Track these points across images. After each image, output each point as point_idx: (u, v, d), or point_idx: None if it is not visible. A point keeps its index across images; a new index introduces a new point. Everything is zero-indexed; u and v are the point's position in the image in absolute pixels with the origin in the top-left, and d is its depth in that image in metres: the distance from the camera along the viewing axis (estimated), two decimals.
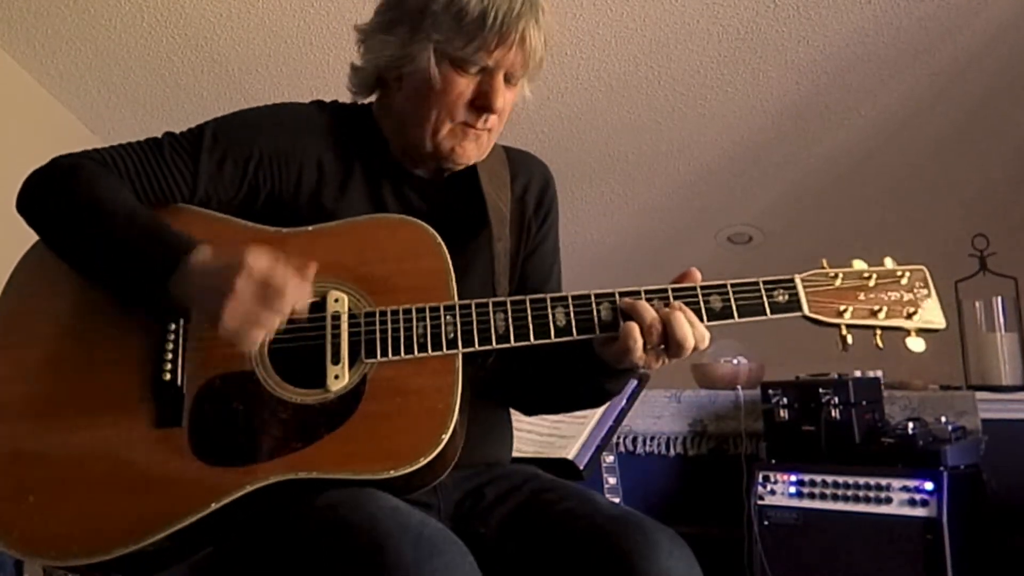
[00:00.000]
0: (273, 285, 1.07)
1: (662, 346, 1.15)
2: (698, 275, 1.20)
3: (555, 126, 3.29)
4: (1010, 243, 2.91)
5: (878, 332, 1.20)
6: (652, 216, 3.72)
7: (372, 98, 1.37)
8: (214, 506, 1.08)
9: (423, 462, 1.08)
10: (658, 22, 2.86)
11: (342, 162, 1.30)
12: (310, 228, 1.23)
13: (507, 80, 1.26)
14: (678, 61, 3.00)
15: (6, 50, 3.14)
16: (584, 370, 1.25)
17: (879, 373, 2.67)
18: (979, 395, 2.59)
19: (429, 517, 1.06)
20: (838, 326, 1.19)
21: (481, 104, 1.25)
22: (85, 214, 1.18)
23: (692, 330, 1.14)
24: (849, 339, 1.19)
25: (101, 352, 1.17)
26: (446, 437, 1.09)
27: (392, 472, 1.07)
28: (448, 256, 1.19)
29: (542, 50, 1.26)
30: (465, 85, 1.24)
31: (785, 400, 2.58)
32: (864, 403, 2.53)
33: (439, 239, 1.20)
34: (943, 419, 2.50)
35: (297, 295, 1.09)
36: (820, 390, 2.51)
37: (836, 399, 2.49)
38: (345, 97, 1.38)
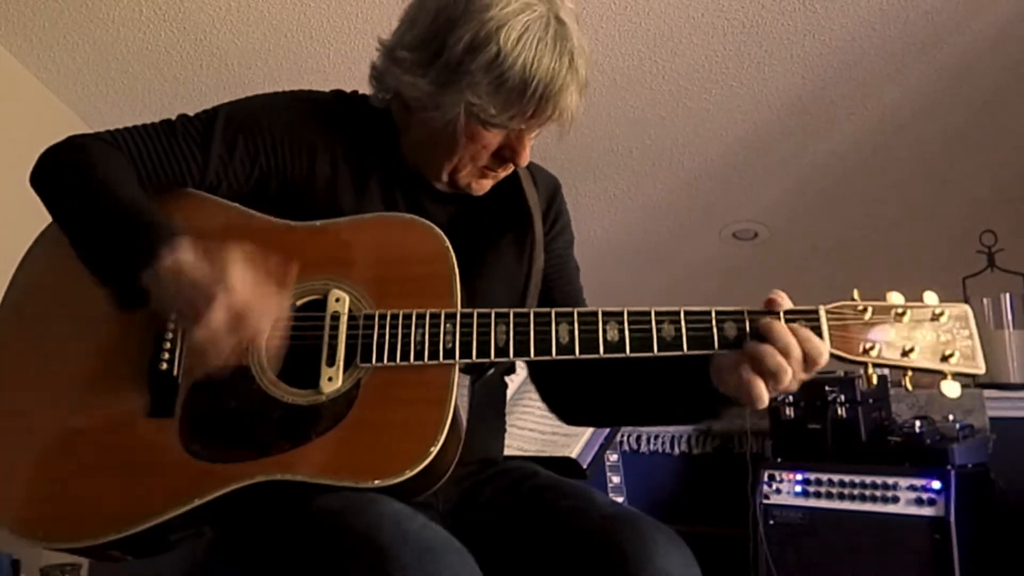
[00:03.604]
0: (250, 312, 1.05)
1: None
2: (786, 301, 1.12)
3: None
4: (1018, 239, 2.89)
5: (909, 373, 1.10)
6: (656, 212, 3.70)
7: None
8: (197, 502, 1.08)
9: (408, 475, 1.06)
10: (662, 16, 2.83)
11: (356, 158, 1.28)
12: (318, 223, 1.21)
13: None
14: (682, 55, 2.98)
15: (3, 44, 3.12)
16: (700, 398, 1.18)
17: (886, 371, 2.64)
18: (987, 393, 2.57)
19: (430, 522, 1.05)
20: (864, 364, 1.10)
21: (507, 157, 1.23)
22: (83, 192, 1.16)
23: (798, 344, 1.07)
24: (875, 378, 1.12)
25: (104, 335, 1.17)
26: (434, 450, 1.07)
27: (376, 482, 1.05)
28: (455, 261, 1.16)
29: (577, 112, 1.21)
30: (492, 138, 1.21)
31: (791, 398, 2.56)
32: (871, 401, 2.51)
33: (447, 243, 1.17)
34: (950, 417, 2.48)
35: (273, 316, 1.07)
36: (826, 388, 2.50)
37: (842, 397, 2.48)
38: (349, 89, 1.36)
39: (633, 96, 3.16)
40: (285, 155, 1.24)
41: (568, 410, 1.39)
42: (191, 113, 1.27)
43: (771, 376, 1.07)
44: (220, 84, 3.21)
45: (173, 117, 1.26)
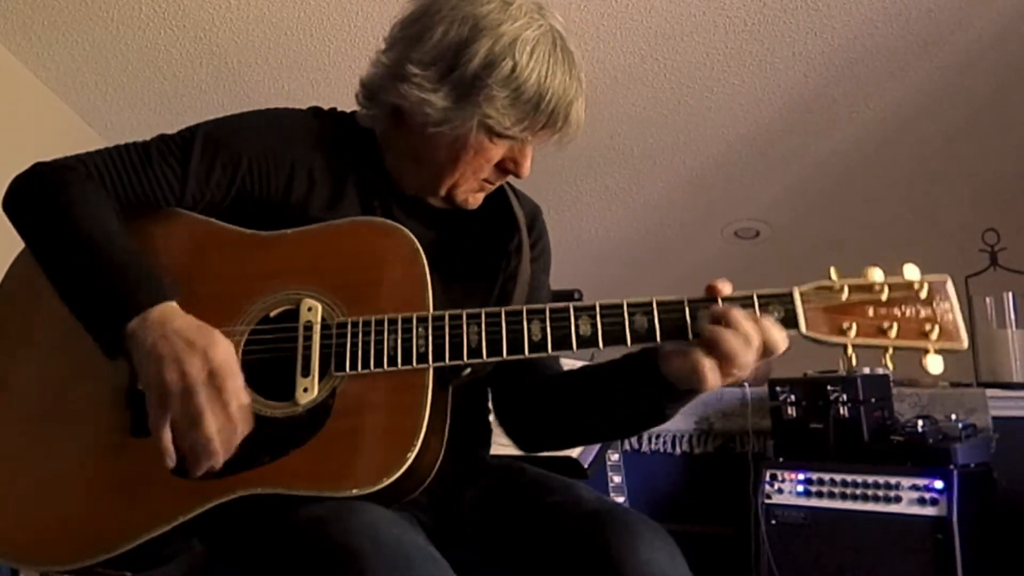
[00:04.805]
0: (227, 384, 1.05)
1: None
2: (728, 288, 1.11)
3: None
4: (1021, 238, 2.88)
5: (889, 351, 1.06)
6: (657, 211, 3.69)
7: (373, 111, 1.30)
8: (180, 519, 1.08)
9: (385, 483, 1.05)
10: (663, 14, 2.83)
11: (335, 175, 1.27)
12: (289, 231, 1.20)
13: None
14: (684, 53, 2.97)
15: (2, 43, 3.11)
16: (647, 393, 1.17)
17: (888, 370, 2.63)
18: (989, 392, 2.56)
19: (411, 530, 1.05)
20: (843, 346, 1.06)
21: (509, 169, 1.25)
22: (59, 232, 1.14)
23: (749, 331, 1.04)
24: (854, 359, 1.08)
25: (83, 358, 1.15)
26: (411, 456, 1.06)
27: (355, 491, 1.05)
28: (426, 262, 1.15)
29: (583, 124, 1.23)
30: (496, 151, 1.22)
31: (793, 397, 2.55)
32: (873, 400, 2.50)
33: (418, 245, 1.16)
34: (953, 417, 2.48)
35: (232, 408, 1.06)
36: (828, 387, 2.49)
37: (844, 396, 2.46)
38: (344, 92, 1.34)
39: (634, 94, 3.15)
40: (263, 175, 1.23)
41: (526, 436, 1.37)
42: (195, 118, 1.27)
43: (725, 360, 1.05)
44: (219, 82, 3.21)
45: (149, 139, 1.25)
